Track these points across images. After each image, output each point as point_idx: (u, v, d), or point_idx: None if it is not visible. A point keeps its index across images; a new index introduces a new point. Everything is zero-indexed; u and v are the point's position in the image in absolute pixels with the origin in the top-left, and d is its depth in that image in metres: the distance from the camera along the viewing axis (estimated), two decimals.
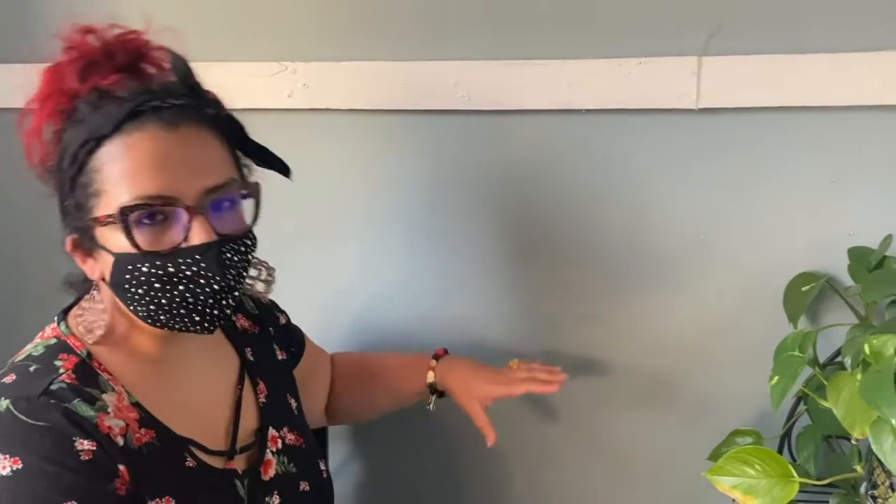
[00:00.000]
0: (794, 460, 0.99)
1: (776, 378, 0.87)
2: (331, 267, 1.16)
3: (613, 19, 1.00)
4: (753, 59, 0.97)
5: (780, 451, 1.03)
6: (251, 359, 0.89)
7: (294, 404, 0.92)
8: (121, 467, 0.70)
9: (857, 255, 0.96)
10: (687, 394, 1.10)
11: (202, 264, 0.69)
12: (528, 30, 1.02)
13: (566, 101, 1.01)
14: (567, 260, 1.09)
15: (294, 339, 0.99)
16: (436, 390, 1.00)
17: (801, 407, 0.99)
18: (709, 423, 1.06)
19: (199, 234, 0.69)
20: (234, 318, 0.91)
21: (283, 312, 0.99)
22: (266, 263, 0.83)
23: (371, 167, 1.11)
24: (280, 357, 0.94)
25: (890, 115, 0.97)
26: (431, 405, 1.00)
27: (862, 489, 0.90)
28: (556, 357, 1.12)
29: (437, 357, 1.01)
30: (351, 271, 1.16)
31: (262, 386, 0.88)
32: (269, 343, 0.93)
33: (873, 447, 0.75)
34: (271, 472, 0.83)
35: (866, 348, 0.80)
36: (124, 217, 0.68)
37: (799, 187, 1.01)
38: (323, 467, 0.91)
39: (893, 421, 0.73)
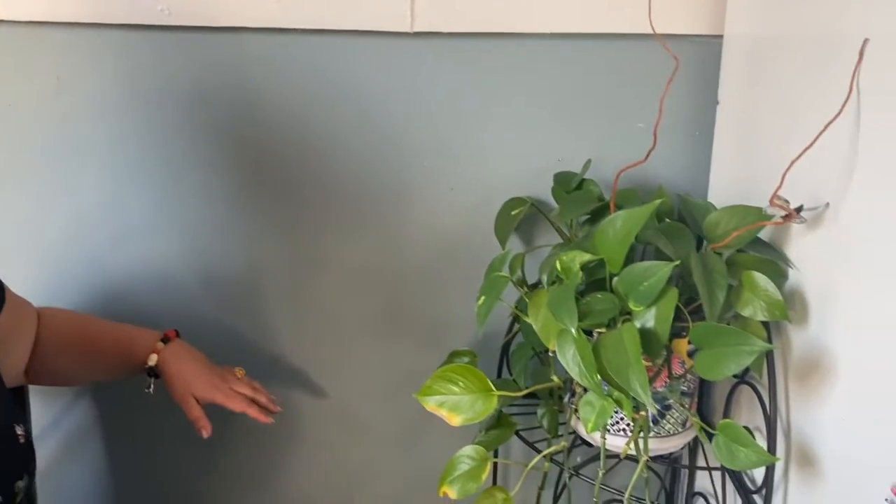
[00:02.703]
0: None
1: (482, 298, 0.89)
2: (24, 206, 1.03)
3: None
4: None
5: (499, 369, 1.08)
6: None
7: None
8: None
9: (561, 180, 1.00)
10: (421, 320, 1.12)
11: None
12: None
13: (275, 19, 0.95)
14: (295, 192, 1.05)
15: None
16: (155, 373, 0.94)
17: (517, 326, 1.04)
18: (443, 346, 1.08)
19: None
20: None
21: None
22: None
23: (61, 91, 0.98)
24: None
25: (598, 43, 1.01)
26: (150, 388, 0.94)
27: (565, 399, 0.96)
28: (291, 295, 1.09)
29: (165, 339, 0.95)
30: (49, 208, 1.03)
31: None
32: None
33: (559, 357, 0.79)
34: None
35: (557, 265, 0.84)
36: None
37: (513, 114, 1.03)
38: (20, 431, 0.81)
39: (573, 330, 0.77)
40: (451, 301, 1.10)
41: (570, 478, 0.92)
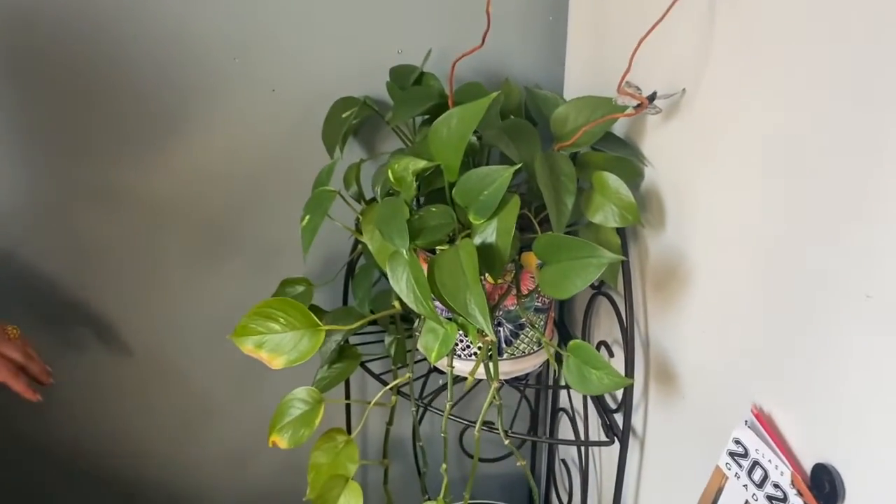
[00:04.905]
0: None
1: (307, 217, 0.76)
2: None
3: None
4: None
5: (345, 295, 0.97)
6: None
7: None
8: None
9: (399, 74, 0.87)
10: (251, 240, 0.99)
11: None
12: None
13: None
14: (83, 108, 0.88)
15: None
16: None
17: (360, 246, 0.92)
18: (279, 275, 0.96)
19: None
20: None
21: None
22: None
23: None
24: None
25: None
26: None
27: (415, 324, 0.86)
28: (85, 230, 0.93)
29: None
30: None
31: None
32: None
33: (391, 282, 0.68)
34: None
35: (390, 175, 0.72)
36: None
37: None
38: None
39: (405, 252, 0.66)
40: (283, 222, 0.97)
41: (418, 410, 0.83)
